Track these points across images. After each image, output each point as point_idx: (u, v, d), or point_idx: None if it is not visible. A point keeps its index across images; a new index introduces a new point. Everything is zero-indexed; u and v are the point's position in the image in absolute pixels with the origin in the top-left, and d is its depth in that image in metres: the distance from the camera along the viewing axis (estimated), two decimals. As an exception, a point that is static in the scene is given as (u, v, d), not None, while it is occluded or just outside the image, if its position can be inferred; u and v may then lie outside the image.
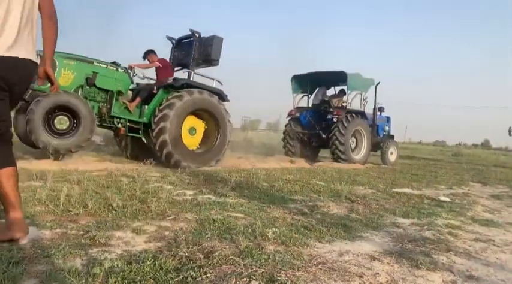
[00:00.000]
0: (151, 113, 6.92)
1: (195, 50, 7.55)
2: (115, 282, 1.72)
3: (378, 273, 2.21)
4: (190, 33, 7.71)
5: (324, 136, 10.42)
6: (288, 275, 1.98)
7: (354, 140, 10.69)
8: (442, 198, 5.07)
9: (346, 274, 2.14)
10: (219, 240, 2.52)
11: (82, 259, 2.03)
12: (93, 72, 6.52)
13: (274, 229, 2.81)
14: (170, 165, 6.63)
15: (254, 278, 1.89)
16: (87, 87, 6.58)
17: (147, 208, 3.24)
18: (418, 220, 3.76)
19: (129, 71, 7.04)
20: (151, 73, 7.70)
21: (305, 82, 11.65)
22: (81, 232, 2.48)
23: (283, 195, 4.47)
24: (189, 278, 1.84)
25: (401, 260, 2.48)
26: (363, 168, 9.40)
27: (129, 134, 7.15)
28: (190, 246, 2.30)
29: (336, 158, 10.09)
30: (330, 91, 12.01)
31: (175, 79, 7.41)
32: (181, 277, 1.85)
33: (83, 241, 2.32)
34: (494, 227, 3.74)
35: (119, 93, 6.91)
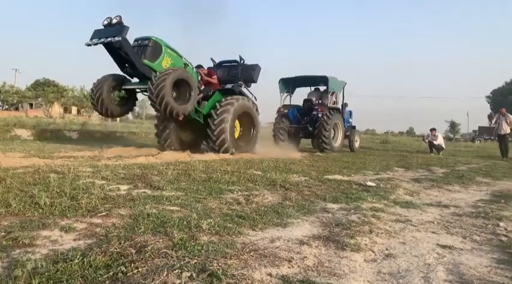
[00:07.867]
0: (209, 107, 9.38)
1: (240, 72, 10.31)
2: (39, 283, 1.66)
3: (306, 257, 2.35)
4: (234, 59, 10.58)
5: (310, 128, 12.60)
6: (220, 264, 2.04)
7: (333, 131, 12.84)
8: (369, 183, 5.43)
9: (276, 259, 2.25)
10: (152, 234, 2.51)
11: (3, 262, 1.93)
12: (185, 64, 8.74)
13: (209, 220, 2.85)
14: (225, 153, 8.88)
15: (186, 269, 1.92)
16: None
17: (77, 205, 3.13)
18: (346, 204, 4.02)
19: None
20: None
21: (289, 84, 13.85)
22: (3, 234, 2.35)
23: (220, 186, 4.52)
24: (120, 274, 1.83)
25: (328, 243, 2.65)
26: (298, 157, 9.76)
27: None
28: (122, 242, 2.27)
29: (321, 149, 12.19)
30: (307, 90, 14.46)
31: (233, 85, 9.92)
32: (111, 273, 1.83)
33: (4, 242, 2.20)
34: (413, 208, 4.09)
35: None
